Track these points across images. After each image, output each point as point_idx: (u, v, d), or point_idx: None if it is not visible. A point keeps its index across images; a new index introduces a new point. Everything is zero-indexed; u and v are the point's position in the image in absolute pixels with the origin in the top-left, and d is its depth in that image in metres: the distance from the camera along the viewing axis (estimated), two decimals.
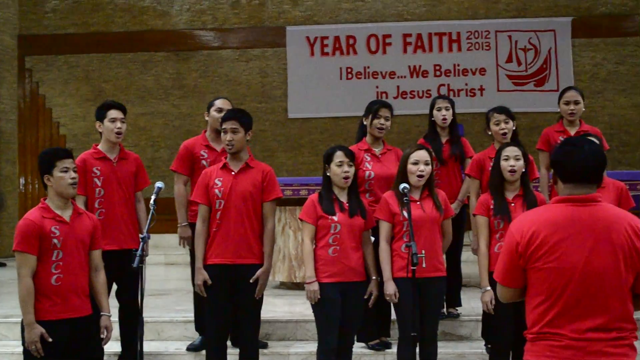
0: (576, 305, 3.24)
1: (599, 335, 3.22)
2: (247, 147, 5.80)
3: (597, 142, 5.47)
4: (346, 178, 5.52)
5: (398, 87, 12.58)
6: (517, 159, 5.49)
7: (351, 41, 12.70)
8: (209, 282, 5.58)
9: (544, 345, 3.28)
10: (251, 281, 5.58)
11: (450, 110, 6.84)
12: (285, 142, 12.78)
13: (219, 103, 6.68)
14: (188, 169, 6.49)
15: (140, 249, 5.23)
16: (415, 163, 5.56)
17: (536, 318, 3.32)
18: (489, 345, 6.02)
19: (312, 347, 5.76)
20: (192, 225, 6.17)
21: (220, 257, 5.60)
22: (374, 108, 6.38)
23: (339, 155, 5.55)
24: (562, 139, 6.54)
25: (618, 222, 3.28)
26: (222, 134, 5.74)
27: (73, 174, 4.91)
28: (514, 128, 6.45)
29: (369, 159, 6.37)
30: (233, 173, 5.67)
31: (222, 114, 6.18)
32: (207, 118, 6.67)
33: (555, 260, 3.25)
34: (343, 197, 5.55)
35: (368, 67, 12.63)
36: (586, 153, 3.34)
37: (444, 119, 6.82)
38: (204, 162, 6.43)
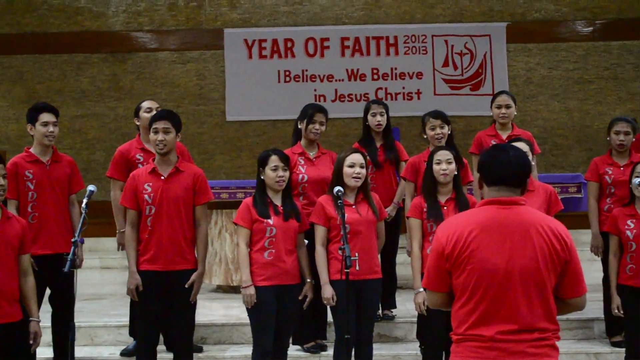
0: (499, 307, 3.30)
1: (521, 336, 3.29)
2: (175, 149, 5.76)
3: (524, 148, 5.63)
4: (280, 182, 5.55)
5: (336, 90, 12.65)
6: (449, 163, 5.59)
7: (289, 44, 12.73)
8: (141, 287, 5.55)
9: (469, 347, 3.34)
10: (186, 286, 5.57)
11: (385, 115, 6.91)
12: (223, 145, 12.74)
13: (147, 104, 6.65)
14: (124, 174, 6.42)
15: (71, 253, 5.19)
16: (352, 166, 5.62)
17: (461, 319, 3.38)
18: (423, 347, 6.10)
19: (248, 350, 5.78)
20: None
21: (153, 264, 5.56)
22: (309, 113, 6.42)
23: (274, 160, 5.57)
24: (494, 142, 6.70)
25: (539, 225, 3.37)
26: (151, 134, 5.68)
27: (2, 181, 4.85)
28: (449, 132, 6.54)
29: (302, 162, 6.41)
30: (162, 178, 5.62)
31: (152, 114, 6.16)
32: (137, 122, 6.63)
33: (478, 261, 3.32)
34: (277, 201, 5.58)
35: (306, 70, 12.67)
36: (510, 158, 3.43)
37: (379, 125, 6.88)
38: (140, 165, 6.38)
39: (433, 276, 3.48)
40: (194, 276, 5.60)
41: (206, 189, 5.74)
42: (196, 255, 5.66)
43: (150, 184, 5.60)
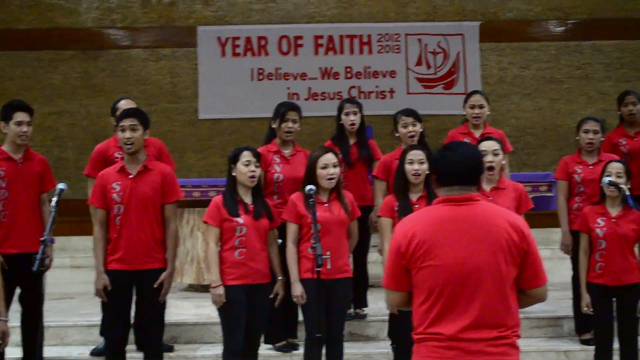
0: (456, 305, 3.29)
1: (479, 334, 3.27)
2: (144, 148, 5.73)
3: (495, 146, 5.67)
4: (252, 177, 5.54)
5: (309, 88, 12.63)
6: (421, 163, 5.60)
7: (262, 42, 12.68)
8: (109, 287, 5.52)
9: (428, 346, 3.33)
10: (155, 285, 5.55)
11: (359, 114, 6.91)
12: (195, 143, 12.68)
13: (125, 104, 6.61)
14: None
15: (40, 252, 5.15)
16: (325, 167, 5.63)
17: (420, 319, 3.37)
18: (394, 345, 6.12)
19: (219, 349, 5.78)
20: None
21: (122, 264, 5.54)
22: (282, 111, 6.43)
23: (246, 155, 5.58)
24: (467, 141, 6.73)
25: (496, 220, 3.37)
26: (119, 132, 5.65)
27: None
28: (422, 130, 6.57)
29: (278, 160, 6.42)
30: (131, 176, 5.60)
31: None
32: (114, 122, 6.59)
33: (435, 259, 3.32)
34: (248, 199, 5.57)
35: (279, 69, 12.63)
36: (460, 157, 3.44)
37: (352, 124, 6.89)
38: None
39: (392, 275, 3.47)
40: (163, 275, 5.59)
41: (175, 188, 5.72)
42: (166, 255, 5.64)
43: (119, 182, 5.57)
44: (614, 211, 5.79)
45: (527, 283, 3.41)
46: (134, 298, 5.66)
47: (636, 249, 5.82)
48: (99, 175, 5.73)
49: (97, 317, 6.62)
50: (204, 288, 8.36)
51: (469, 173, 3.44)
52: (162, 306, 5.70)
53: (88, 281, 8.64)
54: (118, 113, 6.51)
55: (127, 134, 5.57)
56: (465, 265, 3.30)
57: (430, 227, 3.37)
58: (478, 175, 3.49)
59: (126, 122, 5.59)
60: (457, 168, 3.43)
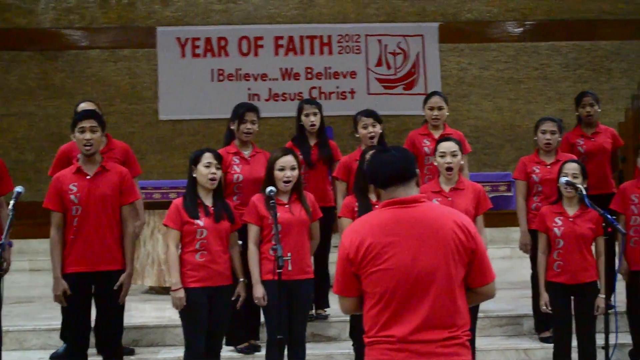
0: (407, 307, 3.31)
1: (430, 335, 3.29)
2: (100, 149, 5.71)
3: (454, 147, 5.72)
4: (212, 179, 5.53)
5: (270, 89, 12.64)
6: None
7: (223, 43, 12.67)
8: (69, 291, 5.48)
9: (379, 349, 3.34)
10: (115, 287, 5.52)
11: (319, 115, 6.92)
12: (155, 145, 12.63)
13: (85, 106, 6.56)
14: None
15: None
16: (282, 169, 5.63)
17: (371, 322, 3.38)
18: (356, 345, 6.14)
19: (181, 352, 5.75)
20: None
21: (80, 266, 5.49)
22: (240, 112, 6.42)
23: (207, 157, 5.56)
24: (426, 141, 6.79)
25: (443, 220, 3.39)
26: (77, 133, 5.61)
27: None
28: (381, 131, 6.60)
29: (237, 161, 6.41)
30: (88, 177, 5.56)
31: None
32: None
33: (384, 263, 3.33)
34: (208, 201, 5.56)
35: (240, 69, 12.63)
36: (393, 156, 3.46)
37: (312, 125, 6.89)
38: None
39: (342, 281, 3.48)
40: (122, 277, 5.56)
41: (133, 189, 5.70)
42: (124, 256, 5.62)
43: (76, 184, 5.53)
44: (572, 211, 5.87)
45: (475, 281, 3.45)
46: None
47: (593, 248, 5.90)
48: (54, 177, 5.68)
49: (57, 321, 6.56)
50: (165, 290, 8.32)
51: (406, 169, 3.45)
52: (121, 308, 5.67)
53: (47, 284, 8.55)
54: None
55: (87, 135, 5.54)
56: (414, 267, 3.32)
57: (378, 231, 3.38)
58: (414, 170, 3.50)
59: (86, 124, 5.56)
60: (393, 166, 3.44)
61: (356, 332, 6.11)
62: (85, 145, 5.54)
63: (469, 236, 3.39)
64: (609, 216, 5.44)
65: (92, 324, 5.69)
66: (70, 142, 6.48)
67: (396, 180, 3.43)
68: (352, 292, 3.46)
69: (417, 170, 3.57)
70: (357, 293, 3.44)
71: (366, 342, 3.41)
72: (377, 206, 5.55)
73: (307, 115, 6.89)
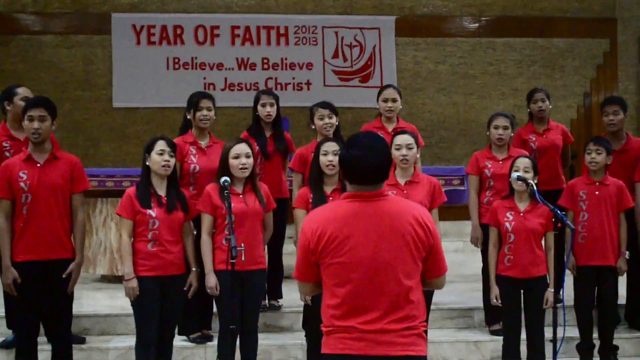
0: (365, 299, 3.38)
1: (389, 326, 3.37)
2: (50, 136, 5.64)
3: (409, 140, 5.76)
4: (165, 167, 5.51)
5: (226, 79, 12.58)
6: (335, 154, 5.64)
7: (179, 31, 12.57)
8: (19, 280, 5.43)
9: (338, 338, 3.41)
10: (64, 276, 5.49)
11: (275, 106, 6.92)
12: (109, 132, 12.51)
13: (23, 91, 6.45)
14: None
15: None
16: (237, 157, 5.64)
17: (329, 312, 3.44)
18: (308, 336, 6.17)
19: (132, 341, 5.73)
20: None
21: (30, 254, 5.44)
22: (194, 100, 6.40)
23: (161, 144, 5.55)
24: (380, 134, 6.81)
25: (402, 214, 3.45)
26: (26, 121, 5.54)
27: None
28: (337, 123, 6.62)
29: (194, 151, 6.39)
30: (39, 165, 5.50)
31: None
32: (8, 107, 6.42)
33: (344, 255, 3.39)
34: (162, 191, 5.54)
35: (195, 58, 12.55)
36: (370, 161, 3.45)
37: (268, 115, 6.89)
38: (7, 153, 6.16)
39: (302, 268, 3.56)
40: (71, 266, 5.53)
41: (83, 177, 5.66)
42: (73, 245, 5.59)
43: (26, 171, 5.47)
44: (522, 206, 5.95)
45: (429, 273, 3.55)
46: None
47: (543, 243, 5.99)
48: (2, 165, 5.59)
49: (2, 310, 6.49)
50: (117, 279, 8.28)
51: (378, 174, 3.49)
52: (70, 297, 5.63)
53: None
54: (16, 100, 6.34)
55: (35, 124, 5.47)
56: (374, 260, 3.39)
57: (339, 223, 3.43)
58: (386, 174, 3.54)
59: (35, 112, 5.48)
60: (367, 171, 3.46)
61: (309, 322, 6.16)
62: (33, 134, 5.48)
63: (428, 233, 3.47)
64: (558, 212, 5.53)
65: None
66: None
67: (367, 182, 3.48)
68: (312, 278, 3.56)
69: (397, 169, 3.62)
70: (317, 279, 3.53)
71: (324, 332, 3.47)
72: (331, 198, 5.63)
73: (263, 105, 6.89)
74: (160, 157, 5.50)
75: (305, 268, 3.54)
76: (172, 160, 5.57)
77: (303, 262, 3.53)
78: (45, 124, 5.49)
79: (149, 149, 5.55)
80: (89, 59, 12.58)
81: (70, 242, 5.57)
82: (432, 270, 3.53)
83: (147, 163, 5.55)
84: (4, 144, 6.24)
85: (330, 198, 5.64)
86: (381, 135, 3.71)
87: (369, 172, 3.46)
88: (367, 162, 3.45)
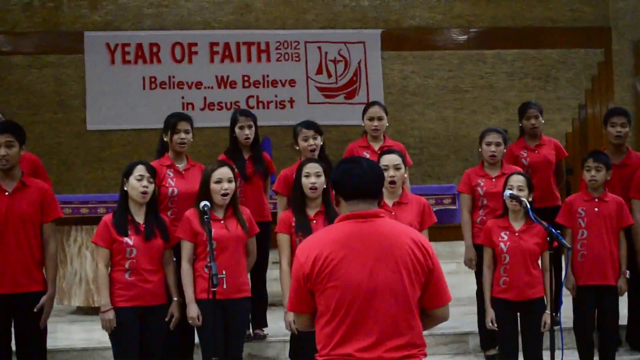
0: (362, 325, 3.36)
1: (387, 354, 3.35)
2: (19, 164, 5.61)
3: (397, 160, 5.77)
4: (144, 193, 5.50)
5: (205, 98, 12.57)
6: (318, 176, 5.63)
7: (155, 49, 12.57)
8: None
9: None
10: (35, 310, 5.44)
11: (253, 128, 6.90)
12: (83, 156, 12.47)
13: None
14: None
15: None
16: (219, 182, 5.63)
17: (324, 340, 3.42)
18: None
19: None
20: None
21: None
22: (172, 122, 6.39)
23: (140, 169, 5.54)
24: (366, 154, 6.82)
25: (400, 237, 3.45)
26: None
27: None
28: (322, 143, 6.62)
29: (172, 175, 6.37)
30: (7, 193, 5.47)
31: None
32: None
33: (339, 278, 3.37)
34: (140, 218, 5.52)
35: (173, 77, 12.53)
36: (365, 170, 3.52)
37: (247, 138, 6.87)
38: None
39: (295, 298, 3.53)
40: (43, 299, 5.49)
41: (54, 205, 5.63)
42: (45, 276, 5.55)
43: None
44: (517, 225, 5.95)
45: (432, 302, 3.51)
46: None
47: (539, 263, 5.99)
48: None
49: None
50: (93, 311, 8.22)
51: (373, 186, 3.52)
52: (43, 332, 5.59)
53: None
54: None
55: (2, 151, 5.43)
56: (371, 284, 3.37)
57: (335, 246, 3.42)
58: (381, 188, 3.58)
59: (1, 138, 5.45)
60: (362, 181, 3.49)
61: (296, 352, 6.13)
62: (0, 161, 5.45)
63: (427, 255, 3.46)
64: (553, 230, 5.53)
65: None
66: None
67: (360, 194, 3.48)
68: (306, 309, 3.52)
69: (384, 190, 3.63)
70: (312, 310, 3.50)
71: None
72: (314, 221, 5.62)
73: (241, 127, 6.87)
74: (139, 183, 5.49)
75: (300, 297, 3.50)
76: (151, 187, 5.56)
77: (296, 291, 3.51)
78: (13, 150, 5.46)
79: (127, 173, 5.54)
80: (61, 79, 12.56)
81: (41, 274, 5.53)
82: (434, 298, 3.50)
83: (125, 188, 5.54)
84: None
85: (314, 222, 5.63)
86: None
87: (361, 181, 3.48)
88: (359, 171, 3.49)
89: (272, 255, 7.17)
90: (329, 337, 3.41)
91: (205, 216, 5.46)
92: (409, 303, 3.41)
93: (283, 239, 5.73)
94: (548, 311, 5.82)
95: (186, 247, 5.66)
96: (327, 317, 3.42)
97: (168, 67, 12.58)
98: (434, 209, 6.67)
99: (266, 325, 7.05)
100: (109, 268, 5.48)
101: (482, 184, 6.74)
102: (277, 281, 7.54)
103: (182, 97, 12.52)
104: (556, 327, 5.57)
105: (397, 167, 5.78)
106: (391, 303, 3.37)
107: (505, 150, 6.78)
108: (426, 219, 5.92)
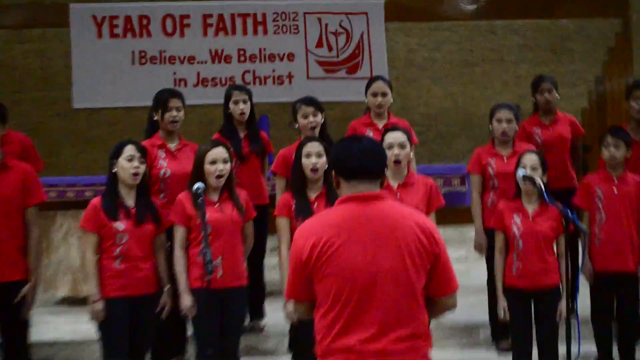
0: (363, 314, 3.33)
1: (390, 346, 3.32)
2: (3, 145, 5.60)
3: (402, 138, 5.72)
4: (135, 174, 5.47)
5: (198, 73, 12.49)
6: (319, 156, 5.60)
7: (144, 22, 12.47)
8: None
9: (335, 359, 3.35)
10: (16, 300, 5.43)
11: (249, 103, 6.89)
12: (70, 137, 12.44)
13: None
14: None
15: None
16: (213, 162, 5.59)
17: (324, 330, 3.39)
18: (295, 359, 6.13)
19: None
20: None
21: None
22: (162, 99, 6.36)
23: (130, 149, 5.51)
24: (370, 132, 6.78)
25: (404, 220, 3.41)
26: None
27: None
28: (323, 120, 6.58)
29: (163, 155, 6.37)
30: None
31: None
32: None
33: (339, 264, 3.34)
34: (130, 201, 5.49)
35: (164, 51, 12.43)
36: (365, 147, 3.48)
37: (242, 113, 6.85)
38: None
39: (294, 285, 3.50)
40: (24, 289, 5.48)
41: (37, 189, 5.62)
42: (28, 264, 5.53)
43: None
44: (531, 207, 5.90)
45: (438, 290, 3.47)
46: None
47: (555, 248, 5.95)
48: None
49: None
50: (80, 301, 8.20)
51: (375, 164, 3.48)
52: (25, 324, 5.57)
53: None
54: None
55: None
56: (373, 270, 3.34)
57: (335, 230, 3.39)
58: (383, 166, 3.53)
59: None
60: (362, 159, 3.45)
61: (296, 344, 6.11)
62: None
63: (432, 240, 3.42)
64: (569, 212, 5.48)
65: None
66: None
67: (362, 173, 3.45)
68: (307, 297, 3.48)
69: (386, 170, 3.59)
70: (312, 297, 3.46)
71: (319, 353, 3.42)
72: (315, 204, 5.58)
73: (236, 102, 6.85)
74: (129, 164, 5.46)
75: (299, 284, 3.47)
76: (143, 167, 5.53)
77: (296, 277, 3.47)
78: None
79: (116, 154, 5.51)
80: (46, 55, 12.52)
81: (23, 262, 5.51)
82: (440, 286, 3.47)
83: (114, 170, 5.51)
84: None
85: (315, 204, 5.59)
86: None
87: (362, 160, 3.44)
88: (359, 149, 3.46)
89: (270, 241, 7.14)
90: (329, 327, 3.37)
91: (199, 199, 5.42)
92: (413, 291, 3.37)
93: (282, 223, 5.69)
94: (564, 300, 5.79)
95: (179, 233, 5.64)
96: (326, 307, 3.38)
97: (159, 40, 12.48)
98: (442, 191, 6.66)
99: (264, 316, 7.03)
100: (98, 255, 5.44)
101: (493, 163, 6.70)
102: (275, 269, 7.53)
103: (174, 73, 12.43)
104: (572, 317, 5.53)
105: (402, 146, 5.73)
106: (394, 291, 3.34)
107: (517, 128, 6.74)
108: (433, 202, 5.88)
